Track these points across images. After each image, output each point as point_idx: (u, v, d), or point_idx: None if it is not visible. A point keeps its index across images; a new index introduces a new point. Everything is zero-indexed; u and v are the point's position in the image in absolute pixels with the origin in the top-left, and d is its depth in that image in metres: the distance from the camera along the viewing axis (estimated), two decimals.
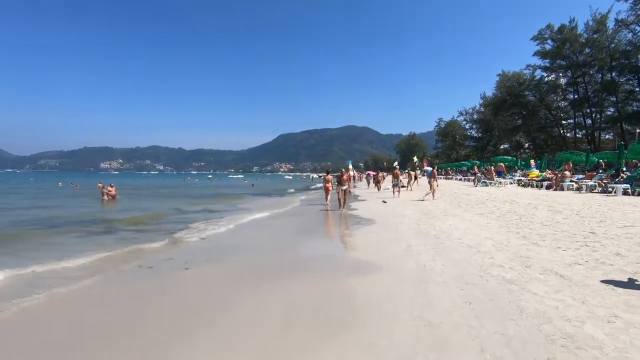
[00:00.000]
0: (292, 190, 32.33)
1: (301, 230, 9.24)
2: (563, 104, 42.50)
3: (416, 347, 2.67)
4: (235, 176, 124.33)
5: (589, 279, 3.93)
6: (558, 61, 38.07)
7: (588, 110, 37.52)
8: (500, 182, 22.20)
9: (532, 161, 28.38)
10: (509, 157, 35.81)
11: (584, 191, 15.23)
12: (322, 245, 7.58)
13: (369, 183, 31.11)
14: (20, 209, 15.68)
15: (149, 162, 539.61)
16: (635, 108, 33.57)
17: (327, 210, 13.41)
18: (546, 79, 41.26)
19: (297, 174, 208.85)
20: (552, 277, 4.07)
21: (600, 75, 35.73)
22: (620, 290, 3.53)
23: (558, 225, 7.39)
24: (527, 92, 43.57)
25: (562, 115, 42.48)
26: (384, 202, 15.24)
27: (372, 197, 18.40)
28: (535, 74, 41.63)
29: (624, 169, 16.79)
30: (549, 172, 22.11)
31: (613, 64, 33.10)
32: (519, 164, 31.04)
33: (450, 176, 40.65)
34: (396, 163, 30.03)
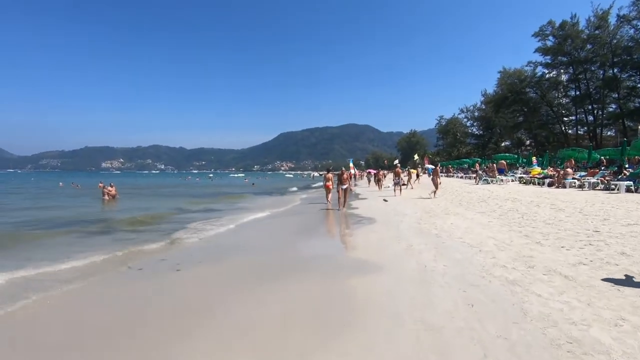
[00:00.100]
0: (293, 189, 32.23)
1: (301, 230, 9.16)
2: (564, 100, 42.31)
3: (417, 351, 2.60)
4: (236, 175, 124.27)
5: (594, 279, 3.85)
6: (559, 58, 37.84)
7: (590, 107, 37.30)
8: (502, 180, 22.07)
9: (533, 158, 28.24)
10: (511, 155, 35.65)
11: (586, 188, 15.11)
12: (322, 245, 7.51)
13: (369, 181, 31.01)
14: (20, 209, 15.64)
15: (150, 161, 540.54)
16: (637, 104, 33.34)
17: (327, 209, 13.34)
18: (547, 75, 41.06)
19: (298, 172, 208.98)
20: (556, 277, 3.99)
21: (602, 72, 35.50)
22: (626, 291, 3.45)
23: (561, 223, 7.30)
24: (528, 89, 43.35)
25: (563, 112, 42.26)
26: (384, 200, 15.15)
27: (373, 196, 18.32)
28: (537, 70, 41.46)
29: (627, 165, 16.66)
30: (551, 169, 21.97)
31: (615, 60, 32.90)
32: (520, 161, 30.91)
33: (452, 174, 40.49)
34: (397, 161, 29.94)
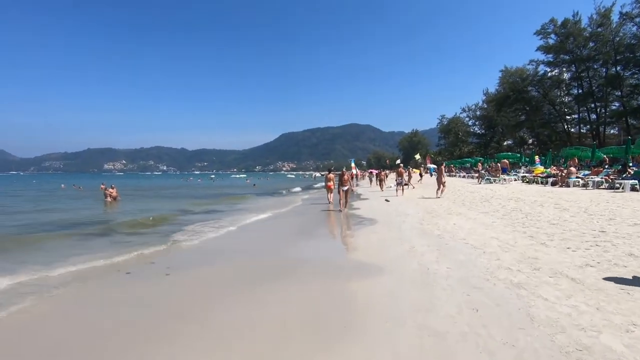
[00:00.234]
0: (294, 190, 32.16)
1: (302, 231, 9.07)
2: (567, 99, 42.03)
3: (420, 357, 2.51)
4: (237, 176, 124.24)
5: (601, 282, 3.74)
6: (562, 56, 37.59)
7: (592, 105, 37.03)
8: (505, 179, 21.91)
9: (536, 157, 28.02)
10: (513, 154, 35.43)
11: (590, 187, 14.95)
12: (323, 247, 7.42)
13: (371, 181, 30.90)
14: (21, 212, 15.63)
15: (152, 162, 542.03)
16: None
17: (329, 209, 13.26)
18: (549, 74, 40.78)
19: (300, 172, 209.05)
20: (562, 280, 3.88)
21: (604, 70, 35.23)
22: (636, 294, 3.33)
23: (566, 223, 7.17)
24: (530, 88, 43.08)
25: (566, 110, 41.94)
26: (386, 200, 15.05)
27: (374, 196, 18.21)
28: (539, 69, 41.24)
29: (631, 164, 16.48)
30: (554, 168, 21.80)
31: (617, 57, 32.63)
32: (523, 160, 30.69)
33: (454, 173, 40.29)
34: (399, 161, 29.82)
